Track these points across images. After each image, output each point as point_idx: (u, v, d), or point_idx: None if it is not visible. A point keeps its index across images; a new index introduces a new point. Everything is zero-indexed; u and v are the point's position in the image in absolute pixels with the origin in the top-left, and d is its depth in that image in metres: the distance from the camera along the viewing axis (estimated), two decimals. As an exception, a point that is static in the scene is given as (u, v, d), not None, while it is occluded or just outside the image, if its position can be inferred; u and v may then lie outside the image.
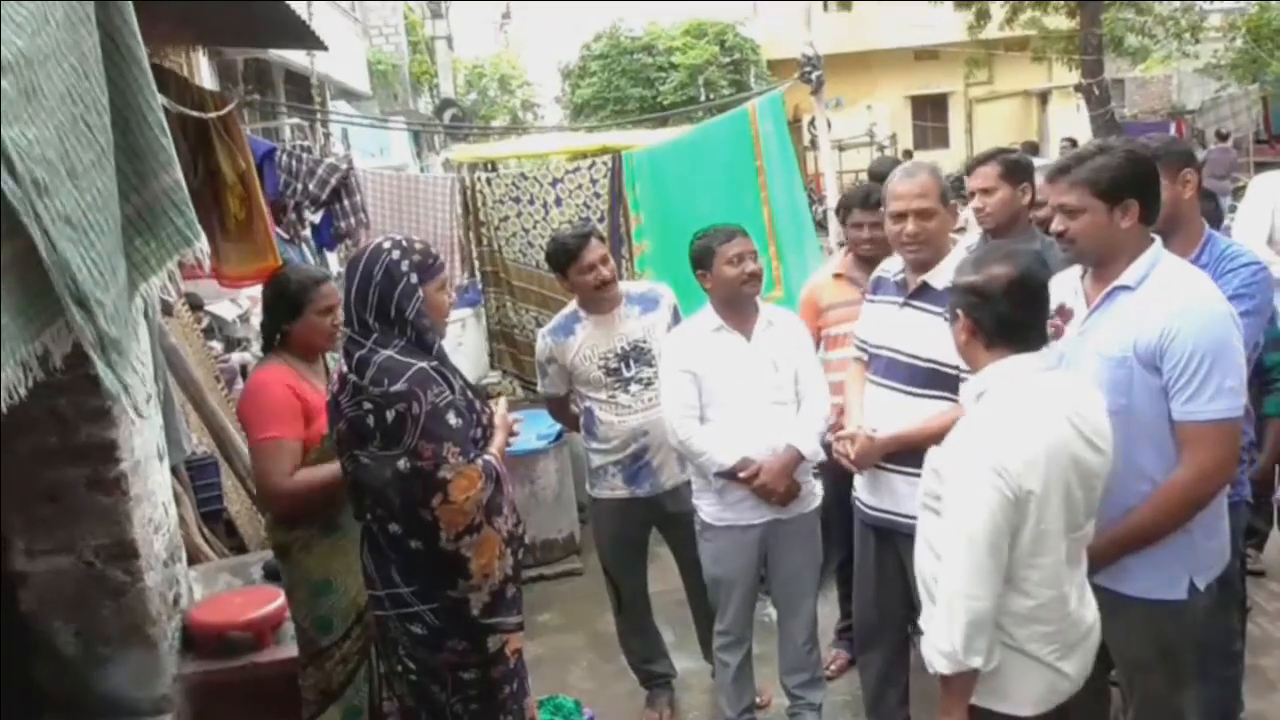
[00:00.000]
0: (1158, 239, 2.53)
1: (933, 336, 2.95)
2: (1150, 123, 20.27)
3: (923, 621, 2.39)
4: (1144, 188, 2.48)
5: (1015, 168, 3.62)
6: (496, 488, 2.56)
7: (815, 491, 3.54)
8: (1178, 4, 16.45)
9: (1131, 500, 2.46)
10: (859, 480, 3.30)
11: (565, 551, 5.52)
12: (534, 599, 5.12)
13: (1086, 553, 2.39)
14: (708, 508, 3.48)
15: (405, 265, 2.53)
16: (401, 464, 2.43)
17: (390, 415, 2.43)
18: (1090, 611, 2.34)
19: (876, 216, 3.74)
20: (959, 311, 2.34)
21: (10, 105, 1.39)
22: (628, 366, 3.70)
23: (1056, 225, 2.53)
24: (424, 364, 2.49)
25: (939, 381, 2.99)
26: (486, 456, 2.58)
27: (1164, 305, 2.39)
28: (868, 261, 3.87)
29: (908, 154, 21.96)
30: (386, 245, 2.57)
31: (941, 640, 2.16)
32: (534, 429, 5.14)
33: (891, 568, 3.22)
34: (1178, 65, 18.20)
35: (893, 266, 3.25)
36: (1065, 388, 2.31)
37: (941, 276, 3.01)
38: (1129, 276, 2.47)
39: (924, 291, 3.07)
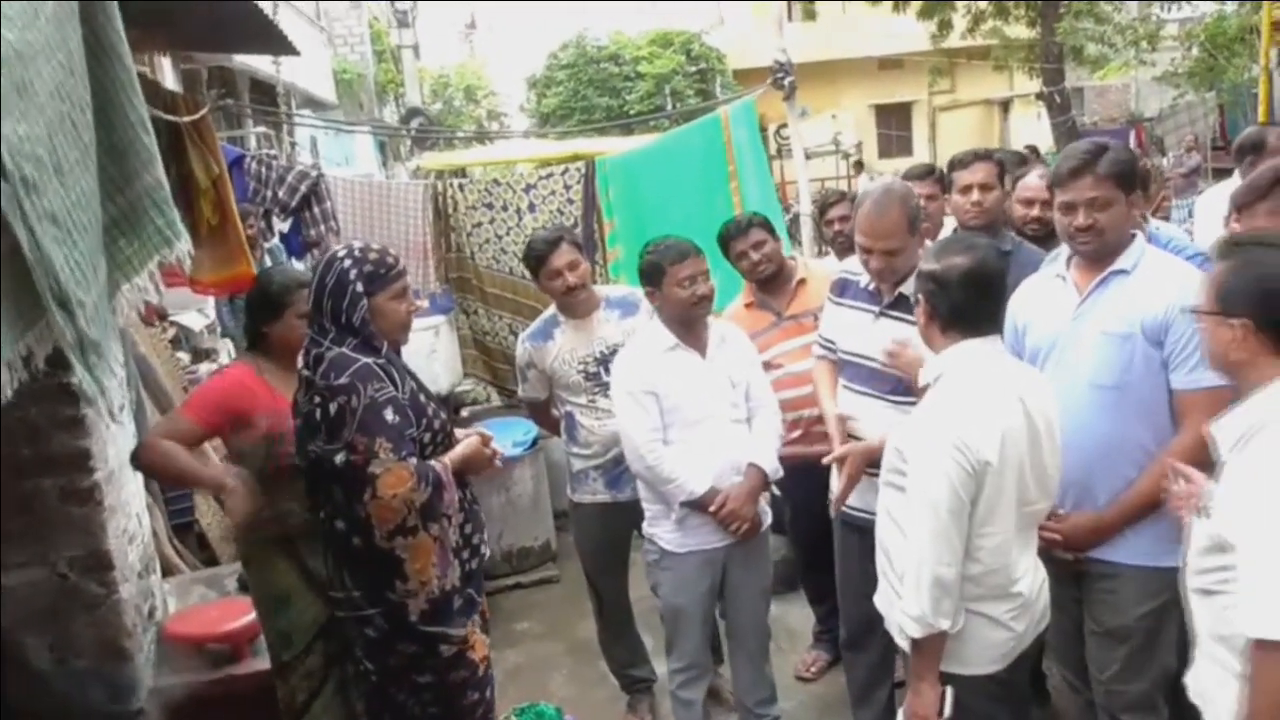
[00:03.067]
0: (1139, 229, 2.74)
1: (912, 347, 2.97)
2: (1110, 130, 20.59)
3: (878, 598, 2.60)
4: (1139, 181, 2.71)
5: (1004, 170, 3.68)
6: (436, 494, 2.58)
7: (765, 510, 3.48)
8: (1135, 13, 16.73)
9: (1130, 472, 2.64)
10: (838, 484, 3.27)
11: (542, 559, 5.48)
12: (512, 607, 5.09)
13: (1095, 527, 2.64)
14: (668, 535, 3.34)
15: (354, 274, 2.62)
16: (340, 457, 2.49)
17: (333, 408, 2.50)
18: (1041, 575, 2.51)
19: (754, 239, 3.88)
20: (920, 296, 2.48)
21: (4, 100, 1.37)
22: (606, 371, 3.67)
23: (1081, 220, 2.64)
24: (370, 360, 2.57)
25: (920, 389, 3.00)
26: (433, 463, 2.61)
27: (1165, 284, 2.58)
28: (765, 283, 3.95)
29: (859, 166, 21.78)
30: (342, 253, 2.67)
31: (911, 606, 2.31)
32: (509, 436, 5.11)
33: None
34: (1135, 73, 18.51)
35: (859, 270, 3.23)
36: (1016, 371, 2.50)
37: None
38: (1125, 261, 2.66)
39: (900, 302, 3.07)
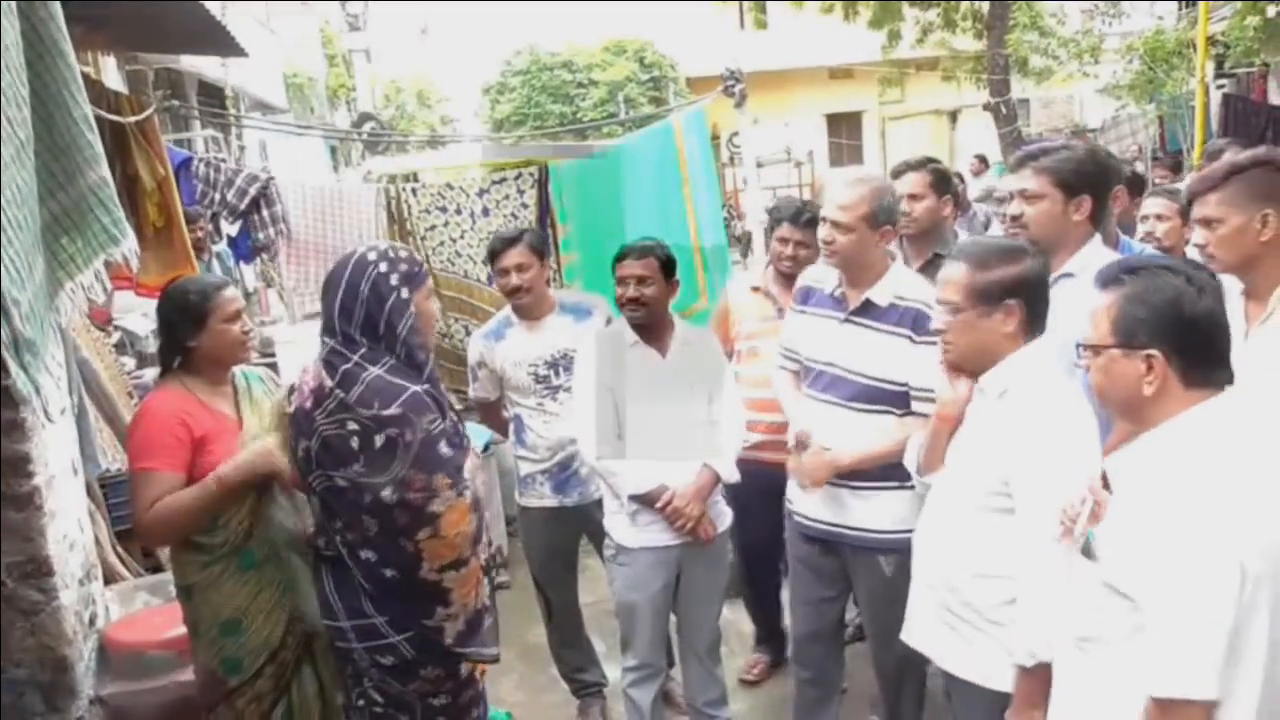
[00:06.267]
0: (1097, 233, 2.73)
1: (877, 353, 2.97)
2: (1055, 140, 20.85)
3: (932, 636, 2.50)
4: (1100, 187, 2.66)
5: (942, 178, 3.71)
6: (479, 518, 2.50)
7: (725, 511, 3.48)
8: (1079, 26, 17.03)
9: None
10: (795, 494, 3.27)
11: (493, 565, 5.45)
12: (462, 613, 5.06)
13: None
14: (622, 530, 3.37)
15: (395, 279, 2.41)
16: (387, 493, 2.34)
17: (379, 440, 2.34)
18: None
19: (804, 235, 3.73)
20: (1013, 303, 2.32)
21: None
22: (557, 374, 3.68)
23: (1013, 209, 2.68)
24: (417, 388, 2.40)
25: (883, 398, 2.99)
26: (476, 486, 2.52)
27: None
28: (788, 278, 3.77)
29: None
30: (372, 257, 2.45)
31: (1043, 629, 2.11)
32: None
33: (834, 580, 3.24)
34: (1079, 85, 18.83)
35: (825, 278, 3.19)
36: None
37: (883, 293, 3.01)
38: (1074, 265, 2.65)
39: (867, 308, 3.04)
